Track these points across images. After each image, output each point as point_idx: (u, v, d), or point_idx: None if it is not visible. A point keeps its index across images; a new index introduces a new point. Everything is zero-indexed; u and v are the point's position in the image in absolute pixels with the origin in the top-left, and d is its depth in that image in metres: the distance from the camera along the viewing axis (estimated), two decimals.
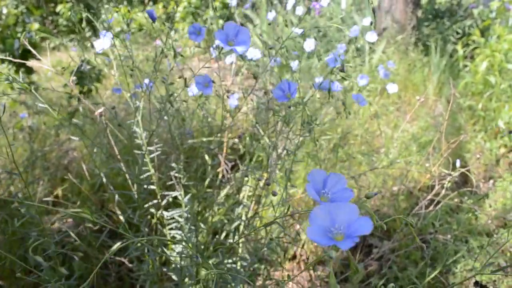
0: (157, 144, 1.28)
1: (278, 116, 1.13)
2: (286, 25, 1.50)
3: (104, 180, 1.36)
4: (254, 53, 1.97)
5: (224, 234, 1.69)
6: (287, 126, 1.13)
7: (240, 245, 1.65)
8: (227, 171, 1.96)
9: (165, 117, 1.27)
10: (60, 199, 2.42)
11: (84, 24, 1.73)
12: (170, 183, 1.57)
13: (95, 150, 2.34)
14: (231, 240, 1.69)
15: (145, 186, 1.29)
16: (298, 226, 2.14)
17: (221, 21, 6.64)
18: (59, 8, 7.36)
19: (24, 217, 2.03)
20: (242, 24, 3.40)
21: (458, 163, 1.43)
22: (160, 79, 1.24)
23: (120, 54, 1.42)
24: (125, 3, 7.45)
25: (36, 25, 4.14)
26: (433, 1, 5.72)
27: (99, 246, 1.84)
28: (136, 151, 1.26)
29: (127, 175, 1.31)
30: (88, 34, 7.11)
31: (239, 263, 1.55)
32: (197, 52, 6.12)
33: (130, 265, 1.44)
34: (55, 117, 2.86)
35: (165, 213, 1.33)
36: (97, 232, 1.95)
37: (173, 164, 1.31)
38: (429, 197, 1.65)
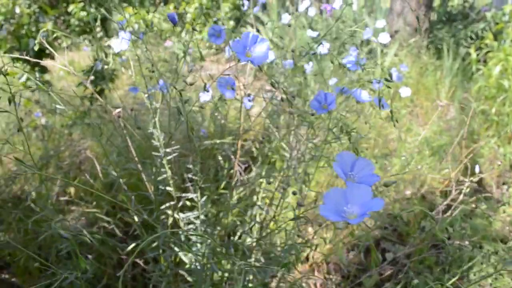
0: (174, 146, 1.28)
1: (304, 121, 1.13)
2: (304, 26, 1.49)
3: (121, 181, 1.36)
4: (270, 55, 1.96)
5: (238, 235, 1.69)
6: (313, 131, 1.12)
7: (254, 246, 1.65)
8: (240, 173, 1.96)
9: (182, 119, 1.27)
10: (72, 198, 2.42)
11: (97, 23, 1.74)
12: (185, 185, 1.57)
13: (111, 150, 2.35)
14: (243, 242, 1.69)
15: (162, 188, 1.29)
16: (310, 229, 2.13)
17: (231, 22, 6.65)
18: (71, 8, 7.40)
19: (38, 214, 2.05)
20: (254, 27, 3.40)
21: (477, 169, 1.42)
22: (178, 81, 1.24)
23: (138, 54, 1.42)
24: (137, 4, 7.47)
25: (49, 25, 4.17)
26: (446, 3, 5.69)
27: (112, 246, 1.85)
28: (153, 153, 1.26)
29: (143, 176, 1.32)
30: (100, 34, 7.14)
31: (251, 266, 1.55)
32: (208, 54, 6.14)
33: (145, 266, 1.45)
34: (68, 117, 2.88)
35: (181, 215, 1.33)
36: (110, 232, 1.96)
37: (190, 166, 1.31)
38: (446, 202, 1.63)
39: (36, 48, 1.20)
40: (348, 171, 0.73)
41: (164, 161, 1.19)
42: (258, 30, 5.66)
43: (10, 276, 2.04)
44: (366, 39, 2.76)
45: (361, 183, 0.71)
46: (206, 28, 6.41)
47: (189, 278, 1.40)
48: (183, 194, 1.30)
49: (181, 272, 1.40)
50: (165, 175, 1.25)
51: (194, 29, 1.10)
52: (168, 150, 1.20)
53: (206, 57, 5.93)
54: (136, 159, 1.30)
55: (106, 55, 1.31)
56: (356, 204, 0.63)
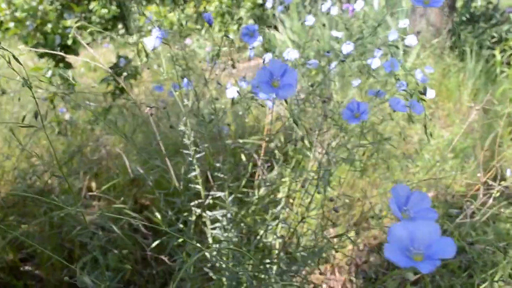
0: (201, 144, 1.29)
1: (337, 125, 1.13)
2: (324, 25, 1.49)
3: (149, 178, 1.37)
4: (292, 54, 1.95)
5: (260, 234, 1.70)
6: (345, 134, 1.12)
7: (277, 246, 1.65)
8: (263, 171, 1.96)
9: (212, 117, 1.28)
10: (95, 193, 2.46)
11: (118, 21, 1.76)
12: (209, 183, 1.58)
13: (134, 147, 2.37)
14: (264, 241, 1.69)
15: (192, 185, 1.30)
16: (331, 230, 2.13)
17: (251, 21, 6.65)
18: (92, 5, 7.51)
19: (62, 209, 2.07)
20: (274, 27, 3.40)
21: (509, 172, 1.39)
22: (212, 81, 1.24)
23: (165, 52, 1.43)
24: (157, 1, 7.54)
25: (69, 22, 4.22)
26: (469, 4, 5.60)
27: (136, 242, 1.87)
28: (184, 151, 1.27)
29: (172, 174, 1.33)
30: (121, 31, 7.23)
31: (275, 265, 1.55)
32: (226, 51, 6.15)
33: (170, 263, 1.46)
34: (91, 112, 2.91)
35: (208, 213, 1.34)
36: (132, 228, 1.98)
37: (219, 164, 1.32)
38: (474, 206, 1.61)
39: (70, 42, 1.21)
40: (403, 206, 0.69)
41: (194, 159, 1.20)
42: (277, 29, 5.65)
43: (34, 268, 2.08)
44: (391, 40, 2.72)
45: (416, 219, 0.67)
46: (227, 27, 6.44)
47: (213, 276, 1.41)
48: (211, 193, 1.31)
49: (206, 270, 1.40)
50: (194, 173, 1.26)
51: (225, 33, 1.10)
52: (197, 148, 1.21)
53: (224, 56, 5.94)
54: (166, 156, 1.31)
55: (139, 53, 1.32)
56: (422, 244, 0.58)
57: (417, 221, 0.60)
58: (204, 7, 6.99)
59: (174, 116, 2.79)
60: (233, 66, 1.16)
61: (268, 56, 2.25)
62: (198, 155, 1.22)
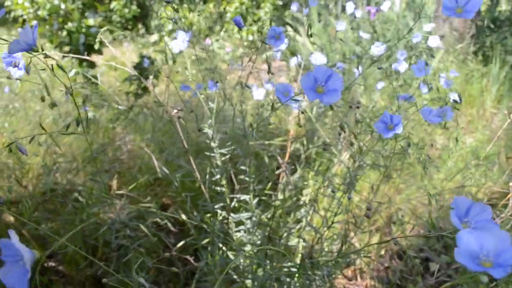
0: (228, 147, 1.29)
1: (371, 131, 1.12)
2: (352, 28, 1.48)
3: (176, 182, 1.38)
4: (320, 59, 1.95)
5: (283, 236, 1.69)
6: (382, 141, 1.11)
7: (301, 249, 1.64)
8: (286, 174, 1.95)
9: (239, 120, 1.28)
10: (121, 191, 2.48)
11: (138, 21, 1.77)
12: (233, 186, 1.58)
13: (155, 147, 2.38)
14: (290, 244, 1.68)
15: (216, 188, 1.30)
16: (352, 234, 2.11)
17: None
18: (113, 4, 7.58)
19: (85, 207, 2.10)
20: (291, 27, 3.39)
21: None
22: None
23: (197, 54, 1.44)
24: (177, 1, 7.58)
25: (92, 21, 4.27)
26: (493, 9, 5.52)
27: (160, 241, 1.88)
28: (209, 153, 1.27)
29: (198, 176, 1.33)
30: (141, 31, 7.29)
31: (300, 269, 1.54)
32: (246, 53, 6.17)
33: (195, 263, 1.46)
34: (113, 111, 2.94)
35: (233, 216, 1.34)
36: (155, 228, 1.99)
37: (243, 167, 1.32)
38: (504, 215, 1.58)
39: (96, 45, 1.23)
40: (463, 218, 0.69)
41: (219, 161, 1.20)
42: (297, 31, 5.64)
43: (57, 264, 2.11)
44: (414, 43, 2.71)
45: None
46: (246, 28, 6.45)
47: (237, 278, 1.41)
48: (237, 195, 1.31)
49: (230, 271, 1.40)
50: (218, 176, 1.26)
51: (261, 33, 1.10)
52: (222, 151, 1.21)
53: (243, 56, 5.95)
54: (191, 158, 1.32)
55: (166, 56, 1.32)
56: (492, 251, 0.58)
57: (487, 229, 0.60)
58: (224, 8, 7.01)
59: (198, 118, 2.80)
60: (269, 72, 1.15)
61: (294, 60, 2.25)
62: (223, 158, 1.22)
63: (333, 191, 1.20)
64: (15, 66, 0.98)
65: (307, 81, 0.85)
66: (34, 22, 4.65)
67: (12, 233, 0.54)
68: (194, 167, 1.33)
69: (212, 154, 1.27)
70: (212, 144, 1.24)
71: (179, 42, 1.39)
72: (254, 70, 1.43)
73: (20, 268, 0.56)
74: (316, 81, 0.86)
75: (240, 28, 1.16)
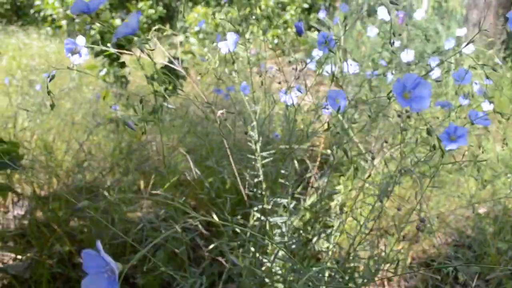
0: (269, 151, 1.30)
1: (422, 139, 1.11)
2: (394, 34, 1.47)
3: (214, 186, 1.39)
4: (353, 67, 1.93)
5: (314, 241, 1.69)
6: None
7: (330, 254, 1.64)
8: (315, 178, 1.95)
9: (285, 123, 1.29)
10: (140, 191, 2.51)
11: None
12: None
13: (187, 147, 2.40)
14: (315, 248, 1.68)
15: (256, 191, 1.31)
16: (383, 241, 2.09)
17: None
18: (140, 5, 7.69)
19: (115, 206, 2.13)
20: (318, 30, 3.39)
21: None
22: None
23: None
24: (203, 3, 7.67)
25: (117, 21, 4.34)
26: None
27: (188, 240, 1.89)
28: (250, 156, 1.28)
29: (238, 179, 1.34)
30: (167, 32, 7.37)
31: (327, 273, 1.54)
32: (270, 55, 6.18)
33: (227, 265, 1.48)
34: (141, 112, 2.99)
35: (270, 219, 1.35)
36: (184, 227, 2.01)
37: (284, 171, 1.33)
38: None
39: (142, 47, 1.24)
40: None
41: (259, 164, 1.21)
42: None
43: None
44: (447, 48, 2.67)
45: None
46: (271, 31, 6.46)
47: (268, 281, 1.41)
48: (274, 199, 1.32)
49: (260, 274, 1.41)
50: (259, 179, 1.27)
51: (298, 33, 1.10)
52: (264, 154, 1.22)
53: (268, 59, 5.96)
54: (232, 160, 1.33)
55: (195, 56, 1.33)
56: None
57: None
58: (249, 10, 7.04)
59: (230, 119, 2.83)
60: (297, 77, 1.16)
61: (327, 68, 2.23)
62: (264, 161, 1.23)
63: (377, 197, 1.19)
64: (75, 53, 1.00)
65: (396, 87, 0.90)
66: (64, 22, 4.73)
67: (99, 244, 0.54)
68: (235, 169, 1.34)
69: (253, 157, 1.28)
70: (253, 147, 1.24)
71: (230, 43, 1.41)
72: (279, 73, 1.43)
73: (104, 280, 0.56)
74: (404, 87, 0.90)
75: (300, 35, 1.17)
